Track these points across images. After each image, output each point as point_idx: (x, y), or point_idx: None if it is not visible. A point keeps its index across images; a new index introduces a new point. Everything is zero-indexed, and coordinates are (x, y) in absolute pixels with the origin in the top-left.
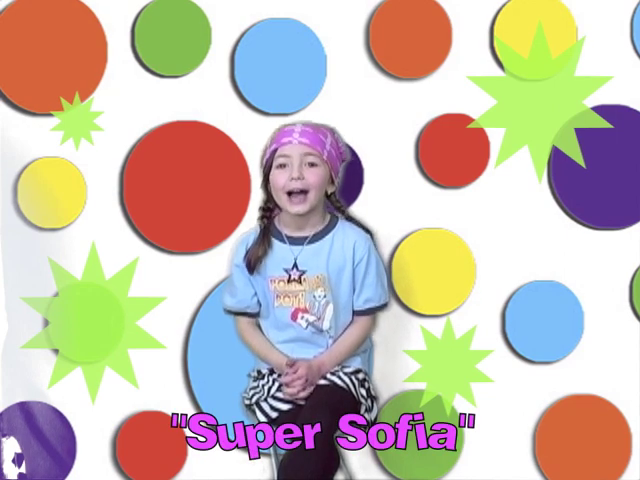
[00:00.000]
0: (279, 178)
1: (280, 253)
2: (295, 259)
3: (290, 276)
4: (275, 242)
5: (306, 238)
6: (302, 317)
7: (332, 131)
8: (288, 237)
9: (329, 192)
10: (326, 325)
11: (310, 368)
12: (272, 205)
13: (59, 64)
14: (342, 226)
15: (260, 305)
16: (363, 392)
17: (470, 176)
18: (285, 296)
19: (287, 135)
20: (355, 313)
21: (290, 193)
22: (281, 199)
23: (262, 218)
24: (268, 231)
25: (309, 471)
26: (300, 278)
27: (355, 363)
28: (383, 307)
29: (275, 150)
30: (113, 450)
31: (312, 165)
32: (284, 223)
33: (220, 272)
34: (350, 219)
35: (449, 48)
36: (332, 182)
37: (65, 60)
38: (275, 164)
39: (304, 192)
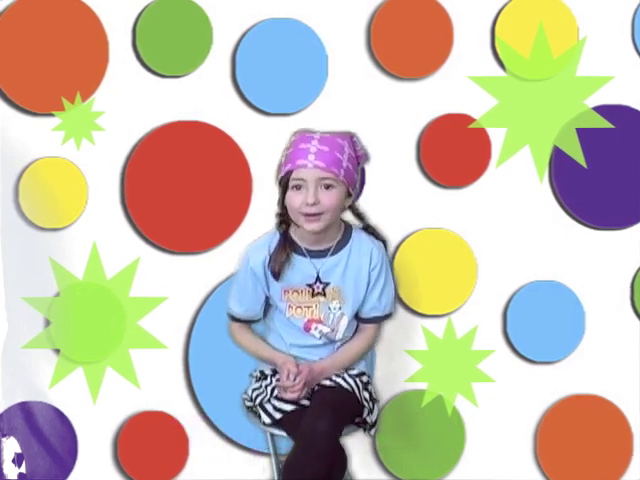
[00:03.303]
0: (294, 200)
1: (300, 266)
2: (318, 272)
3: (314, 290)
4: (294, 255)
5: (326, 251)
6: (316, 328)
7: (351, 139)
8: (308, 250)
9: (347, 205)
10: (339, 337)
11: (311, 373)
12: (287, 212)
13: (60, 64)
14: (358, 235)
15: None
16: (366, 395)
17: (471, 176)
18: (297, 307)
19: (302, 156)
20: (360, 320)
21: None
22: (297, 218)
23: (280, 224)
24: (288, 235)
25: (312, 471)
26: (324, 291)
27: (360, 366)
28: (387, 317)
29: (290, 171)
30: (114, 450)
31: (328, 187)
32: (300, 236)
33: (221, 272)
34: (368, 227)
35: (450, 48)
36: (350, 195)
37: (66, 60)
38: (290, 184)
39: (319, 213)
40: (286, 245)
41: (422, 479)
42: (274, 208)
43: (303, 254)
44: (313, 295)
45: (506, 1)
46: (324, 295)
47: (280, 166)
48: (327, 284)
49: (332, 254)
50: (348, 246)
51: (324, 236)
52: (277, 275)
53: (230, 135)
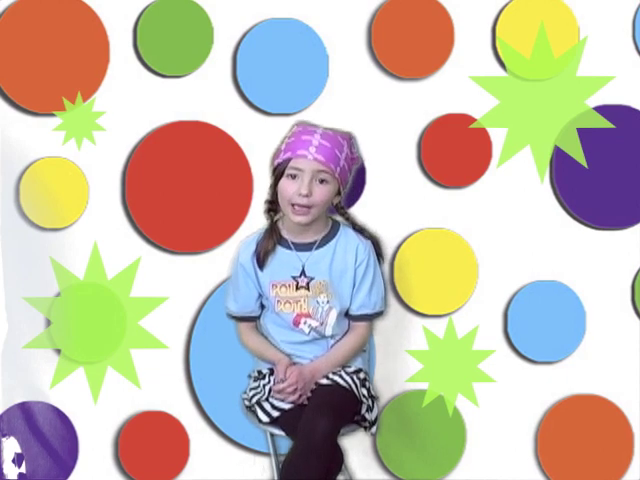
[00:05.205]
0: (287, 188)
1: (286, 259)
2: (303, 266)
3: (298, 283)
4: (279, 248)
5: (311, 244)
6: (305, 322)
7: (349, 139)
8: (293, 243)
9: (335, 203)
10: (329, 331)
11: (301, 375)
12: (277, 200)
13: (61, 64)
14: (345, 231)
15: (262, 307)
16: (364, 392)
17: (472, 176)
18: (286, 302)
19: (304, 147)
20: (351, 318)
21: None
22: (285, 207)
23: (269, 211)
24: (276, 226)
25: (311, 471)
26: (308, 285)
27: (356, 363)
28: (378, 315)
29: (289, 159)
30: (115, 450)
31: (322, 181)
32: (287, 228)
33: (222, 272)
34: (355, 225)
35: (451, 48)
36: (339, 193)
37: (67, 60)
38: (286, 172)
39: (308, 206)
40: (273, 234)
41: (422, 479)
42: None
43: (289, 247)
44: (297, 288)
45: (507, 1)
46: (308, 289)
47: (278, 152)
48: (312, 279)
49: (317, 247)
50: (334, 241)
51: (310, 229)
52: (261, 263)
53: (231, 135)
